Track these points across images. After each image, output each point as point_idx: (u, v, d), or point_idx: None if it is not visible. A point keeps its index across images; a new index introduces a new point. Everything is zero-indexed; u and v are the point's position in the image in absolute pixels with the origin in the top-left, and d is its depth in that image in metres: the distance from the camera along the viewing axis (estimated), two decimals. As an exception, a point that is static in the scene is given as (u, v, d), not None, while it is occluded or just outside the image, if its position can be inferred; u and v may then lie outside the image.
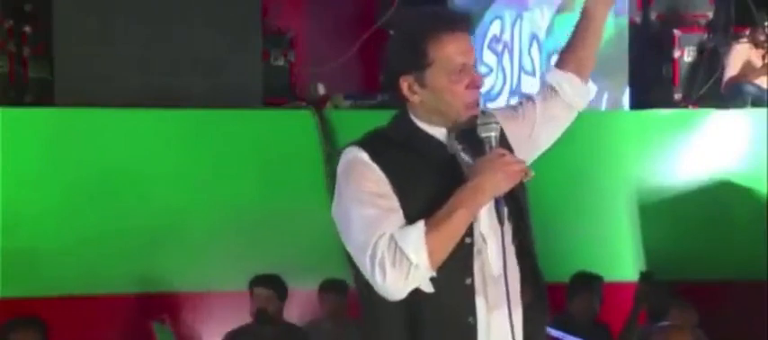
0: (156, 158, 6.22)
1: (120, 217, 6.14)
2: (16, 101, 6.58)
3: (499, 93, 7.76)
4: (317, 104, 6.70)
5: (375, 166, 2.71)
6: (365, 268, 2.64)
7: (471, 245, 2.70)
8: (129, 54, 6.30)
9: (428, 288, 2.67)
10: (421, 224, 2.63)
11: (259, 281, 5.91)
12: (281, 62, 7.19)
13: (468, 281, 2.70)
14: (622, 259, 6.62)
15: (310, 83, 7.16)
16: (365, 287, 2.71)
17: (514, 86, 7.71)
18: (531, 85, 7.70)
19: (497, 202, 2.68)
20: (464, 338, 2.70)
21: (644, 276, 6.12)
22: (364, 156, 2.72)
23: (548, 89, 3.01)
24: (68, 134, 6.16)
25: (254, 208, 6.29)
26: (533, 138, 2.97)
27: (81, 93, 6.22)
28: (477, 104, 2.78)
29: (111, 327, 6.08)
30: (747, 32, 7.82)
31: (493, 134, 2.69)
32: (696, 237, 6.77)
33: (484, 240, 2.70)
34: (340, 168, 2.76)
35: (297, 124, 6.48)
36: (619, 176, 6.81)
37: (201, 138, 6.33)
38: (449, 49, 2.73)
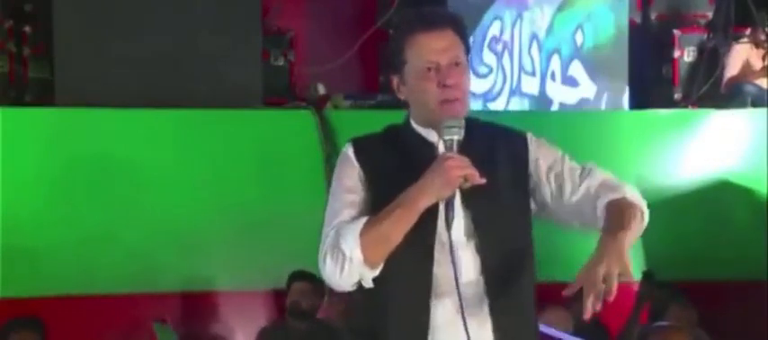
0: (155, 158, 6.22)
1: (120, 217, 6.14)
2: (16, 101, 6.58)
3: (499, 93, 7.76)
4: (317, 104, 6.70)
5: (355, 161, 2.81)
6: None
7: (432, 247, 2.73)
8: (129, 54, 6.29)
9: (368, 284, 2.72)
10: (362, 220, 2.70)
11: (296, 275, 5.94)
12: (281, 62, 7.18)
13: (426, 284, 2.73)
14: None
15: (310, 83, 7.16)
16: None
17: (514, 86, 7.71)
18: (531, 85, 7.70)
19: (446, 207, 2.70)
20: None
21: (646, 275, 6.12)
22: (350, 150, 2.83)
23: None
24: (68, 134, 6.16)
25: (253, 208, 6.28)
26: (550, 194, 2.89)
27: (81, 93, 6.22)
28: (454, 103, 2.77)
29: (111, 327, 6.07)
30: (748, 32, 7.82)
31: (456, 138, 2.70)
32: (696, 237, 6.77)
33: (452, 246, 2.71)
34: None
35: (297, 124, 6.47)
36: (619, 176, 6.79)
37: (201, 138, 6.32)
38: (419, 48, 2.78)
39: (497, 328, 2.75)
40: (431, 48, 2.76)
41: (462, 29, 2.83)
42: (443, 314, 2.73)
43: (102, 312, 6.04)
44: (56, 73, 6.36)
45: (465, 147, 2.71)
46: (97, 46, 6.29)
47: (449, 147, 2.70)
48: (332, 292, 6.05)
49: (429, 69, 2.76)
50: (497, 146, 2.83)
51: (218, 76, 6.39)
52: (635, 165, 6.84)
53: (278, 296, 6.19)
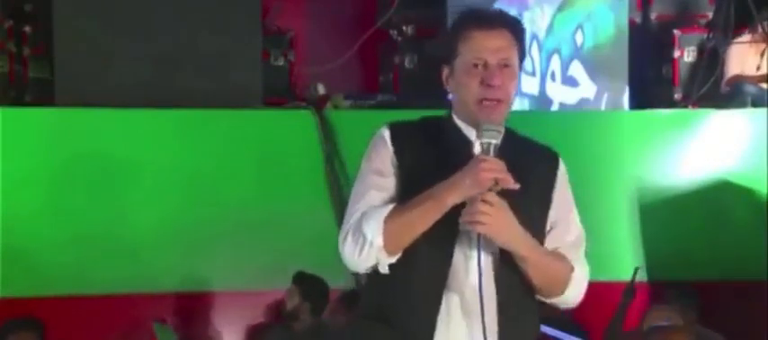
0: (155, 158, 6.22)
1: (120, 217, 6.14)
2: (16, 101, 6.58)
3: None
4: (317, 104, 6.70)
5: (390, 145, 2.82)
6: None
7: (452, 245, 2.75)
8: (129, 54, 6.30)
9: (384, 270, 2.76)
10: (389, 206, 2.73)
11: (293, 276, 5.94)
12: (281, 62, 7.18)
13: (441, 279, 2.75)
14: (622, 259, 6.62)
15: (310, 83, 7.15)
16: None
17: (514, 86, 7.70)
18: (531, 85, 7.69)
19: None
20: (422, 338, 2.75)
21: (636, 271, 6.12)
22: (386, 133, 2.84)
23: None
24: (68, 134, 6.16)
25: (253, 208, 6.28)
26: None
27: (81, 94, 6.22)
28: (494, 105, 2.78)
29: (111, 328, 6.07)
30: (746, 32, 7.81)
31: (493, 142, 2.70)
32: (696, 237, 6.76)
33: (480, 249, 2.72)
34: None
35: (297, 124, 6.47)
36: (619, 176, 6.80)
37: (201, 138, 6.32)
38: (470, 44, 2.80)
39: (502, 334, 2.78)
40: (483, 45, 2.78)
41: (520, 32, 2.86)
42: (449, 311, 2.75)
43: (101, 312, 6.04)
44: (56, 73, 6.37)
45: (501, 154, 2.72)
46: (97, 46, 6.29)
47: (486, 151, 2.70)
48: (336, 296, 6.06)
49: (476, 66, 2.78)
50: (530, 160, 2.86)
51: (218, 76, 6.39)
52: (635, 165, 6.84)
53: (278, 296, 6.19)
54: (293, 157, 6.42)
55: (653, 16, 8.21)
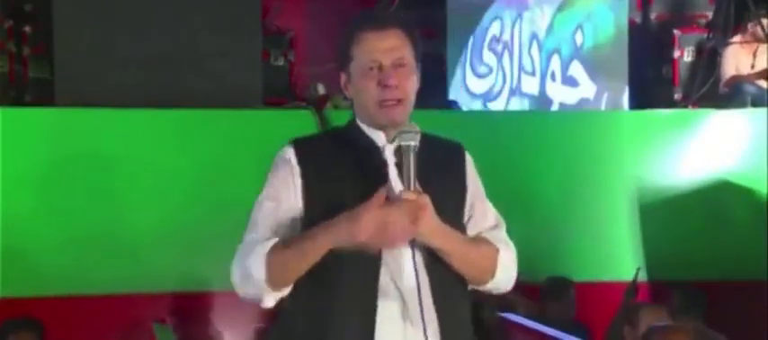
0: (155, 158, 6.22)
1: (120, 217, 6.14)
2: (16, 101, 6.58)
3: (499, 93, 7.77)
4: (317, 104, 6.70)
5: (296, 165, 2.77)
6: None
7: (378, 260, 2.68)
8: (129, 54, 6.30)
9: (269, 303, 2.69)
10: (272, 242, 2.66)
11: None
12: (281, 62, 7.19)
13: (373, 287, 2.69)
14: (622, 259, 6.62)
15: (310, 83, 7.16)
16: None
17: (514, 86, 7.71)
18: (531, 85, 7.70)
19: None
20: None
21: (638, 272, 6.14)
22: (290, 154, 2.79)
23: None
24: (68, 134, 6.16)
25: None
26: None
27: (81, 94, 6.22)
28: (393, 106, 2.73)
29: (110, 328, 6.07)
30: (738, 32, 7.82)
31: (412, 143, 2.64)
32: (696, 237, 6.77)
33: (400, 251, 2.69)
34: None
35: (297, 124, 6.46)
36: (619, 176, 6.81)
37: (201, 138, 6.32)
38: (363, 47, 2.78)
39: (442, 335, 2.73)
40: (375, 46, 2.76)
41: (412, 32, 2.81)
42: (387, 318, 2.70)
43: (101, 312, 6.04)
44: (56, 73, 6.36)
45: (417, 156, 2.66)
46: (97, 46, 6.29)
47: (406, 154, 2.63)
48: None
49: (371, 68, 2.75)
50: (439, 155, 2.82)
51: (218, 76, 6.39)
52: (635, 165, 6.85)
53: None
54: (293, 157, 6.41)
55: (653, 16, 8.23)
